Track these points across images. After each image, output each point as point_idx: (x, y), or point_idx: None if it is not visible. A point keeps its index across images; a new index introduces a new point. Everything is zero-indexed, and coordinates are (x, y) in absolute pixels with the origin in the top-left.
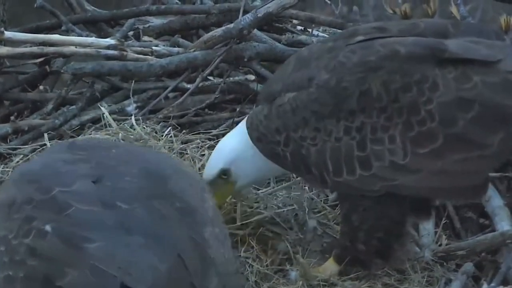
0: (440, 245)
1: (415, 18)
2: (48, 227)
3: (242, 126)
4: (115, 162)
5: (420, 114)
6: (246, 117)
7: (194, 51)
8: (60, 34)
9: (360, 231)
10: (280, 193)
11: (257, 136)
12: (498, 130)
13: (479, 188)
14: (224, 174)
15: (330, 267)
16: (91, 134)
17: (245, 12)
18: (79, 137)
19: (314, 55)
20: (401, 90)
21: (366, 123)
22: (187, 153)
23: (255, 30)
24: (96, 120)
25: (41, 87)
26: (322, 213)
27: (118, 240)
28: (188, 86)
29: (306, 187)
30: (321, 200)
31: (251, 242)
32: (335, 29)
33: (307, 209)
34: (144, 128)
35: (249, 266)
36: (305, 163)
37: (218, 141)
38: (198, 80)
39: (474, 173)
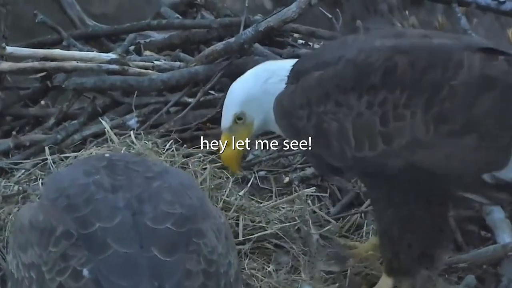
0: None
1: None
2: (85, 271)
3: (249, 72)
4: (155, 199)
5: (443, 92)
6: (258, 65)
7: (195, 65)
8: (62, 49)
9: (400, 241)
10: (283, 206)
11: (281, 113)
12: None
13: (501, 159)
14: (239, 118)
15: (385, 282)
16: (92, 148)
17: (246, 26)
18: (81, 152)
19: (356, 42)
20: (425, 68)
21: (389, 98)
22: (189, 167)
23: (256, 44)
24: (97, 135)
25: (42, 102)
26: (325, 228)
27: None
28: (190, 100)
29: (309, 201)
30: (324, 214)
31: (253, 256)
32: None
33: (310, 222)
34: (146, 143)
35: (257, 280)
36: (326, 137)
37: (220, 155)
38: (199, 94)
39: (495, 148)
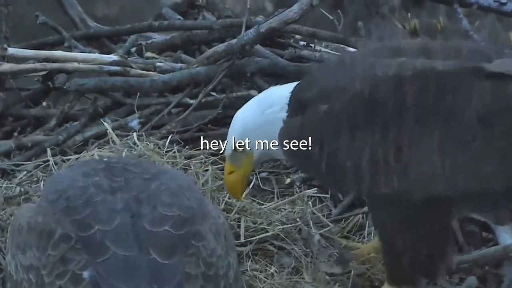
0: None
1: (423, 33)
2: (85, 274)
3: (252, 100)
4: (154, 201)
5: (457, 122)
6: (262, 93)
7: (197, 66)
8: (63, 50)
9: (404, 253)
10: (284, 208)
11: (289, 151)
12: None
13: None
14: (240, 146)
15: None
16: (94, 150)
17: (248, 27)
18: (83, 153)
19: (356, 65)
20: (436, 98)
21: (402, 133)
22: (190, 169)
23: (258, 45)
24: (99, 136)
25: (44, 103)
26: (326, 228)
27: None
28: (191, 101)
29: (310, 202)
30: (325, 215)
31: (255, 258)
32: (337, 44)
33: (311, 223)
34: (148, 144)
35: (260, 281)
36: (340, 174)
37: (221, 157)
38: (201, 95)
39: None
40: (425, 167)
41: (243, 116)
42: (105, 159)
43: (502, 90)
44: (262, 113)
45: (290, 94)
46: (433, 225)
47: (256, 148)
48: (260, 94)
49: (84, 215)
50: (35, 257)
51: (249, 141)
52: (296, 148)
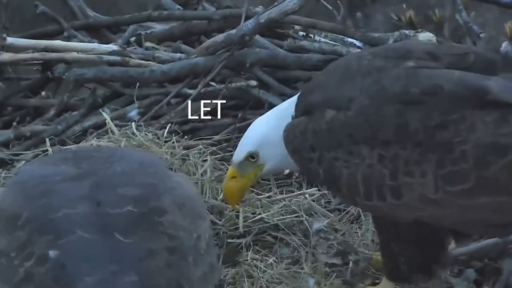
0: None
1: (420, 25)
2: (51, 254)
3: (271, 112)
4: (115, 182)
5: (454, 153)
6: (280, 104)
7: (196, 57)
8: (62, 40)
9: (400, 256)
10: (283, 198)
11: (292, 149)
12: None
13: (508, 227)
14: (252, 157)
15: (386, 285)
16: (93, 140)
17: (247, 18)
18: (82, 143)
19: (362, 68)
20: (438, 127)
21: (400, 154)
22: (189, 159)
23: (257, 36)
24: (98, 126)
25: (43, 93)
26: (324, 217)
27: (114, 278)
28: (190, 92)
29: (309, 192)
30: (324, 206)
31: (254, 248)
32: (336, 35)
33: (309, 214)
34: (146, 134)
35: (260, 271)
36: (336, 183)
37: (220, 147)
38: (200, 86)
39: (504, 213)
40: (417, 192)
41: (260, 129)
42: (74, 149)
43: (503, 123)
44: (278, 128)
45: (297, 98)
46: (426, 239)
47: (269, 162)
48: (280, 106)
49: (51, 200)
50: (5, 239)
51: (263, 154)
52: (298, 154)
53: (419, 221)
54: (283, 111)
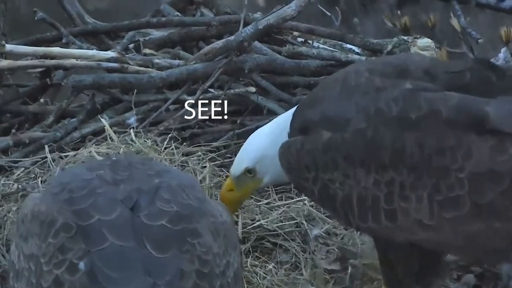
0: None
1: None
2: (81, 264)
3: (269, 126)
4: (153, 196)
5: (450, 180)
6: (278, 117)
7: (195, 63)
8: (61, 47)
9: (398, 265)
10: (281, 204)
11: (287, 168)
12: None
13: (503, 253)
14: (249, 172)
15: None
16: (91, 146)
17: (246, 24)
18: (81, 150)
19: (360, 86)
20: (434, 153)
21: (396, 179)
22: (188, 166)
23: (256, 42)
24: (97, 133)
25: (41, 100)
26: (323, 223)
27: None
28: (189, 98)
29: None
30: (322, 212)
31: (254, 254)
32: (335, 41)
33: (308, 219)
34: (145, 141)
35: (260, 278)
36: (331, 203)
37: (219, 154)
38: (198, 92)
39: (499, 241)
40: (413, 216)
41: (258, 144)
42: (113, 158)
43: (500, 150)
44: (276, 143)
45: (293, 115)
46: (422, 255)
47: (266, 176)
48: (277, 119)
49: (86, 205)
50: (36, 245)
51: (260, 169)
52: (294, 173)
53: (415, 245)
54: (281, 125)
